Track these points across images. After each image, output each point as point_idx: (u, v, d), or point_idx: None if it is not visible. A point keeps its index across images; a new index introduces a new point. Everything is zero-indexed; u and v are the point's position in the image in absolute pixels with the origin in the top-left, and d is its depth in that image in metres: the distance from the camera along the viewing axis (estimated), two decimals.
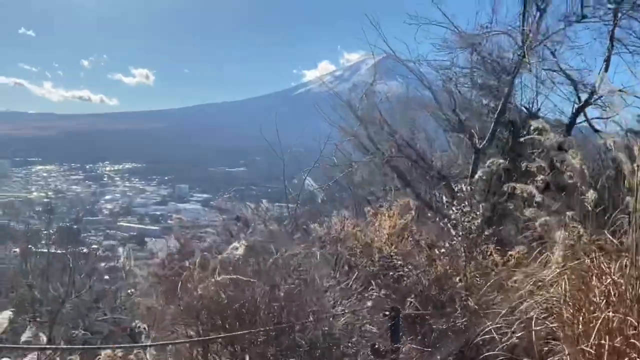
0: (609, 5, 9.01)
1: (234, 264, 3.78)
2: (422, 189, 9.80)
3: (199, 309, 3.64)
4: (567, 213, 4.07)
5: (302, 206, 10.15)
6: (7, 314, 5.42)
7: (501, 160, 4.67)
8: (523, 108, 9.58)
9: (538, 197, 4.24)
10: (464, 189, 4.71)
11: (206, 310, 3.63)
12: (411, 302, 4.56)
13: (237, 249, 3.77)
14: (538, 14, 9.28)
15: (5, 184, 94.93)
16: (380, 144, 9.82)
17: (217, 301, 3.65)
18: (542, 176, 4.29)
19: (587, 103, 9.13)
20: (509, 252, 5.15)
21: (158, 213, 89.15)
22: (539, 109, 9.45)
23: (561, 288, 3.67)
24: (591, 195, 4.25)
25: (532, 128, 3.95)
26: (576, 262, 3.62)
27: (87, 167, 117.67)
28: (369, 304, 4.17)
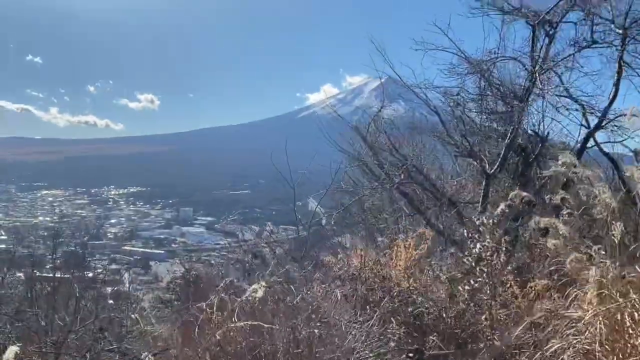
0: (618, 30, 8.97)
1: (253, 307, 3.64)
2: (432, 216, 9.63)
3: (216, 354, 3.48)
4: (595, 247, 3.92)
5: (309, 229, 10.03)
6: (14, 349, 5.30)
7: (524, 194, 4.52)
8: (532, 132, 9.46)
9: (564, 231, 4.09)
10: (485, 221, 4.54)
11: (224, 355, 3.47)
12: (433, 340, 4.37)
13: (256, 291, 3.62)
14: (547, 39, 9.23)
15: (11, 209, 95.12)
16: (389, 169, 9.68)
17: (235, 348, 3.49)
18: (567, 210, 4.14)
19: (597, 127, 9.03)
20: (528, 284, 4.97)
21: (162, 237, 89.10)
22: (547, 134, 9.35)
23: (596, 329, 3.49)
24: (619, 228, 4.10)
25: (560, 162, 3.82)
26: (615, 304, 3.43)
27: (93, 191, 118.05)
28: (392, 344, 3.99)
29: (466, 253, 4.71)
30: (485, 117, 9.78)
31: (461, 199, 9.65)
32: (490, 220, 4.44)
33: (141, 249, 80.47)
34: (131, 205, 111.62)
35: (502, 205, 4.50)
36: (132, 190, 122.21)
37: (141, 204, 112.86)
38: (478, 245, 4.36)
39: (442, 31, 9.06)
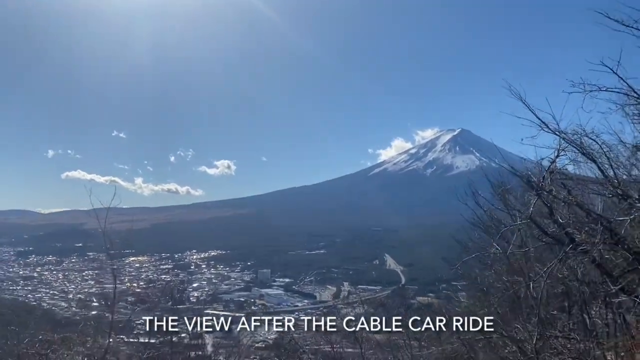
0: None
1: None
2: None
3: None
4: None
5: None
6: None
7: None
8: None
9: None
10: None
11: None
12: None
13: None
14: None
15: (101, 276, 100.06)
16: (572, 230, 7.94)
17: None
18: None
19: None
20: None
21: (242, 299, 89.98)
22: None
23: None
24: None
25: None
26: None
27: (176, 256, 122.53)
28: None
29: None
30: None
31: None
32: None
33: (222, 312, 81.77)
34: (212, 269, 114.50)
35: None
36: (212, 253, 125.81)
37: (221, 266, 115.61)
38: None
39: (612, 70, 7.66)
